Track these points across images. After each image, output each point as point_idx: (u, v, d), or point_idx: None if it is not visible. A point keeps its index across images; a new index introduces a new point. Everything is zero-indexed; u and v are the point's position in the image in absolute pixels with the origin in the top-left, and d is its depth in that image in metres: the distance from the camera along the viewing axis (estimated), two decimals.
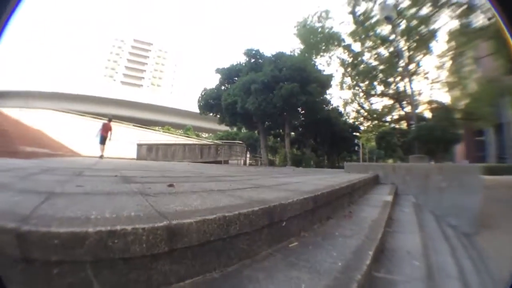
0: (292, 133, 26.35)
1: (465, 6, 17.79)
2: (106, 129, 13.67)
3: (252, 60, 24.46)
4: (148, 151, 22.70)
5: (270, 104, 20.11)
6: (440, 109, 21.25)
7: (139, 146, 23.06)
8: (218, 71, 25.55)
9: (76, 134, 22.63)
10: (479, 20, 17.92)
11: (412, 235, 2.69)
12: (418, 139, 16.67)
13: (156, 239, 0.96)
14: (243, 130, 28.43)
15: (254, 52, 24.55)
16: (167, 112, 55.07)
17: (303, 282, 1.13)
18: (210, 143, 27.64)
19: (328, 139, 24.29)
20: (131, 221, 1.01)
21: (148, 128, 33.87)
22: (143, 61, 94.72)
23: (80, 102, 46.03)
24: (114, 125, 14.56)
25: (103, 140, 13.46)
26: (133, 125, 31.48)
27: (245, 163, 24.17)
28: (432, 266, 2.03)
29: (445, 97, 24.44)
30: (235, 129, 29.91)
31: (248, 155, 26.62)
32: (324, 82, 21.96)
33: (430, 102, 22.18)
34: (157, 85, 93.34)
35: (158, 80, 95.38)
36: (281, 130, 25.05)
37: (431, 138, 15.75)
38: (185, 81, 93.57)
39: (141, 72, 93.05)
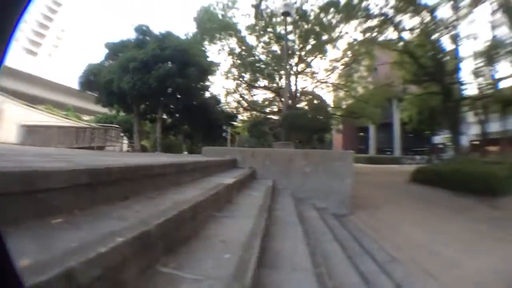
0: (170, 119, 25.63)
1: (377, 20, 18.57)
2: None
3: (141, 37, 22.85)
4: (28, 134, 20.94)
5: (145, 85, 18.95)
6: (313, 100, 22.23)
7: (21, 128, 21.43)
8: (107, 45, 23.66)
9: None
10: (387, 33, 19.20)
11: (245, 220, 2.48)
12: (283, 126, 17.03)
13: None
14: (122, 113, 26.55)
15: (144, 28, 23.04)
16: (53, 87, 50.25)
17: (26, 252, 0.89)
18: (86, 126, 25.52)
19: (203, 126, 23.74)
20: None
21: (32, 106, 30.02)
22: (47, 24, 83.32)
23: None
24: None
25: None
26: (22, 103, 27.60)
27: (121, 149, 22.76)
28: (251, 259, 1.63)
29: (328, 96, 26.24)
30: (114, 112, 27.72)
31: (126, 141, 24.97)
32: (205, 67, 21.38)
33: (304, 93, 23.02)
34: (49, 55, 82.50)
35: (54, 48, 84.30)
36: (156, 115, 23.87)
37: (297, 125, 15.96)
38: (78, 54, 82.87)
39: (42, 38, 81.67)
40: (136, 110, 22.08)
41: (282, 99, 21.45)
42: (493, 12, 17.41)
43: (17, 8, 0.79)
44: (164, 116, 24.04)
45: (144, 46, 21.10)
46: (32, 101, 34.08)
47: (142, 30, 22.98)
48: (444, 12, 17.28)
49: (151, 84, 18.81)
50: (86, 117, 40.92)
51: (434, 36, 17.62)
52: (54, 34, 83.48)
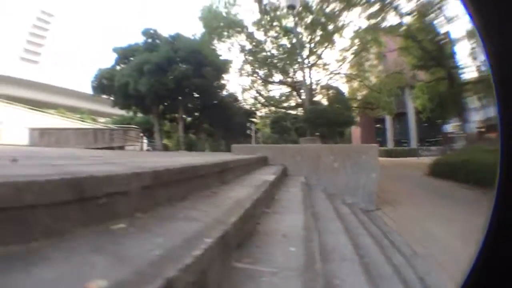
0: (190, 118, 26.60)
1: (377, 6, 18.74)
2: None
3: (149, 40, 23.95)
4: (41, 136, 20.78)
5: (163, 86, 19.92)
6: (335, 94, 22.49)
7: (31, 131, 21.15)
8: (115, 50, 24.76)
9: None
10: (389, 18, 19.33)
11: (295, 216, 2.52)
12: (308, 122, 17.12)
13: None
14: (139, 114, 27.51)
15: (151, 32, 24.13)
16: (62, 93, 51.73)
17: (98, 269, 0.82)
18: (104, 128, 26.28)
19: (223, 123, 24.46)
20: None
21: (42, 111, 30.75)
22: (43, 34, 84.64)
23: None
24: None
25: None
26: (27, 107, 28.25)
27: (141, 149, 23.62)
28: (315, 251, 1.76)
29: (343, 88, 26.55)
30: (131, 113, 28.40)
31: (145, 141, 25.96)
32: (220, 66, 22.13)
33: (324, 87, 23.26)
34: (55, 63, 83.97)
35: (56, 57, 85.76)
36: (176, 115, 25.00)
37: (322, 120, 16.06)
38: (83, 60, 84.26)
39: (39, 47, 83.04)
40: (155, 110, 23.14)
41: (302, 92, 21.68)
42: None
43: None
44: (184, 116, 25.10)
45: (155, 49, 22.04)
46: (41, 106, 34.83)
47: (150, 34, 24.05)
48: None
49: (168, 85, 19.75)
50: (101, 119, 42.13)
51: (429, 17, 17.43)
52: (52, 42, 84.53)
